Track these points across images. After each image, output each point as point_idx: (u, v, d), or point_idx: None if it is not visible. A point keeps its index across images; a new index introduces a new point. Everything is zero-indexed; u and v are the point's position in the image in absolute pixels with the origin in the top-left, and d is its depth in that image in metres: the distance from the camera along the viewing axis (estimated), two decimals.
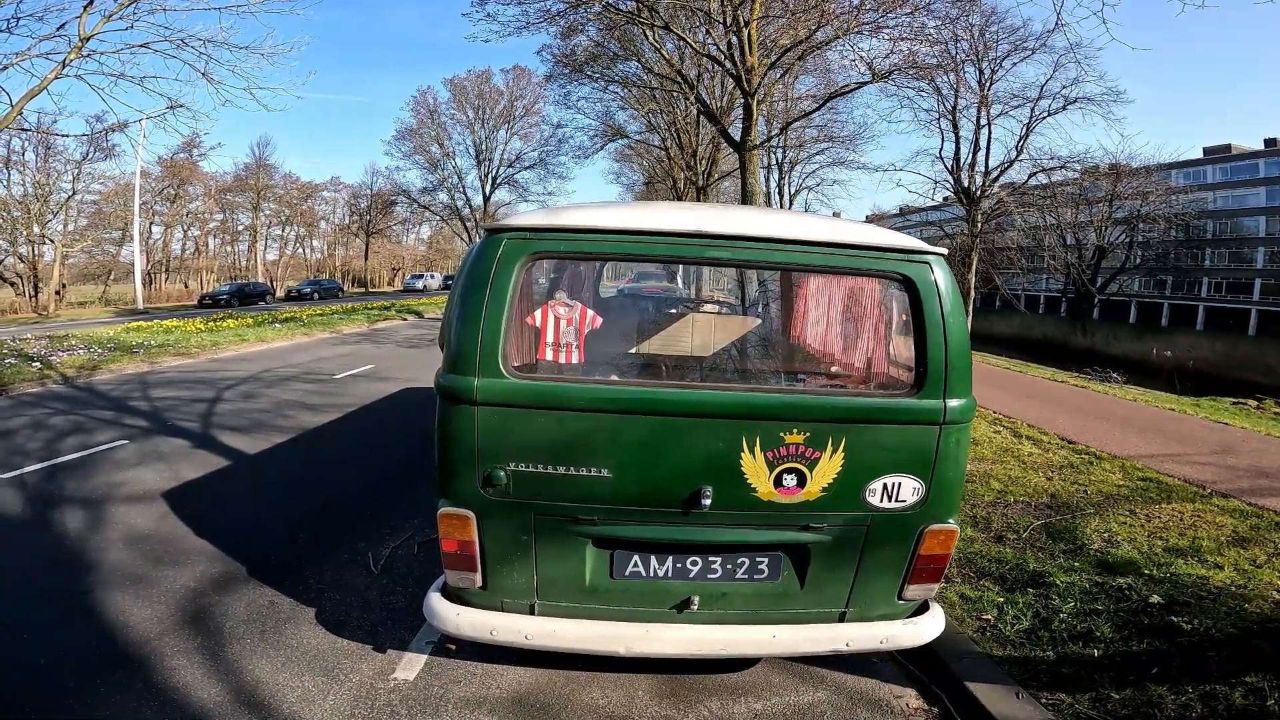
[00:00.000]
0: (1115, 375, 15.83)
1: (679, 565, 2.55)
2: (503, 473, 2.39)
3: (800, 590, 2.55)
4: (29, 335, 16.94)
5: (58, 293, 34.57)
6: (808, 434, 2.33)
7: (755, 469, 2.36)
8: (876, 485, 2.38)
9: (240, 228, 52.51)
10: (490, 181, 45.15)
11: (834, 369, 2.85)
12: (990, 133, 22.09)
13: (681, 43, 14.23)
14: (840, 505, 2.41)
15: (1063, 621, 3.04)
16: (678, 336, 4.23)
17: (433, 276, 48.86)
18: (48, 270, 33.96)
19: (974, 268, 23.45)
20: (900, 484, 2.39)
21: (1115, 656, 2.81)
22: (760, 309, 6.53)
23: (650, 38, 13.64)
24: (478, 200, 45.44)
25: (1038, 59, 21.08)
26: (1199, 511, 4.61)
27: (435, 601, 2.63)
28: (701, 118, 21.68)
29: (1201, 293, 41.63)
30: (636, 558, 2.55)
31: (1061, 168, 22.03)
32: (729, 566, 2.55)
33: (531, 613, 2.59)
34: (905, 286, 2.36)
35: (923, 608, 2.65)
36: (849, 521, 2.44)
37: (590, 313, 2.56)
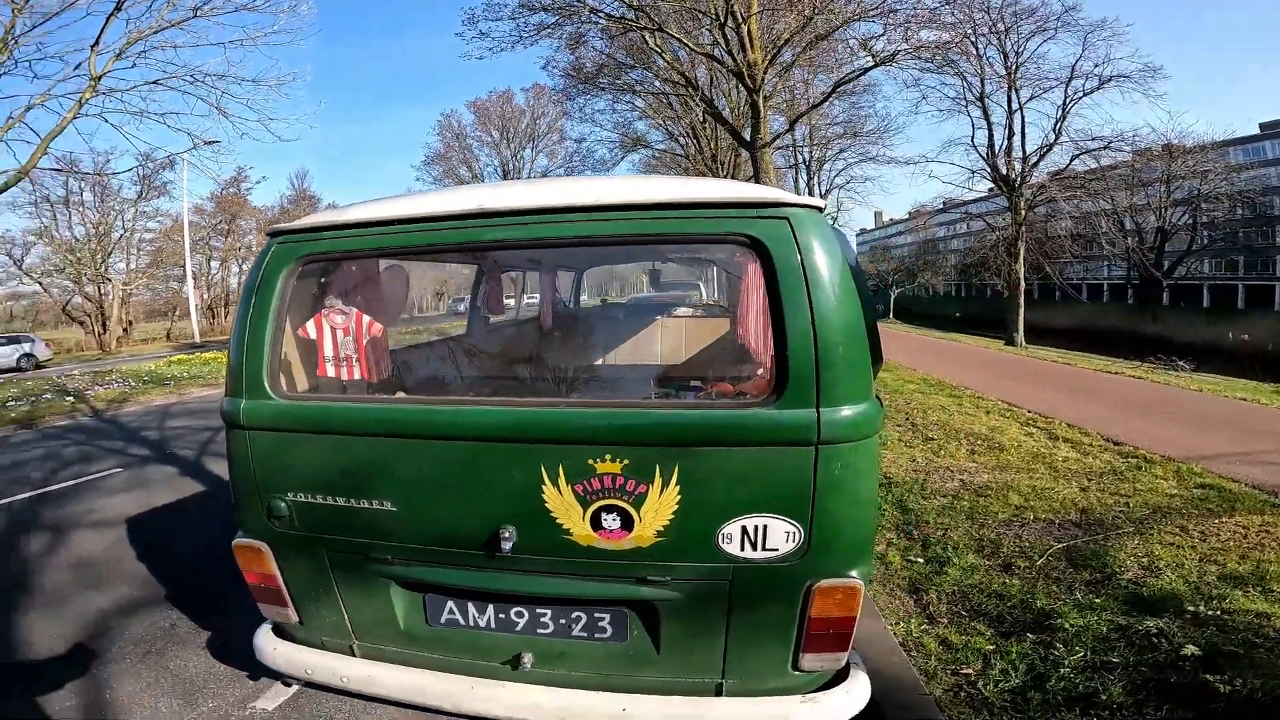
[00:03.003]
0: (1182, 363, 14.44)
1: (502, 616, 2.11)
2: (283, 504, 2.07)
3: (657, 655, 2.03)
4: (76, 371, 17.77)
5: (125, 329, 36.49)
6: (625, 461, 1.82)
7: (564, 506, 1.87)
8: (732, 529, 1.82)
9: None
10: None
11: (674, 374, 2.34)
12: (1024, 117, 20.99)
13: (685, 46, 13.86)
14: (685, 554, 1.87)
15: (1063, 679, 2.39)
16: (488, 344, 3.82)
17: None
18: (113, 309, 35.89)
19: (1021, 257, 22.12)
20: (766, 527, 1.81)
21: None
22: (578, 302, 6.00)
23: (652, 43, 13.31)
24: None
25: (1064, 39, 19.92)
26: (1268, 526, 3.82)
27: (261, 633, 2.42)
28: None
29: (1278, 272, 38.37)
30: (451, 604, 2.14)
31: (1105, 148, 20.61)
32: (562, 621, 2.07)
33: (353, 654, 2.27)
34: (755, 251, 1.81)
35: (841, 674, 2.06)
36: (702, 574, 1.89)
37: (367, 319, 2.19)
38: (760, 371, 2.01)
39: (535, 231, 1.94)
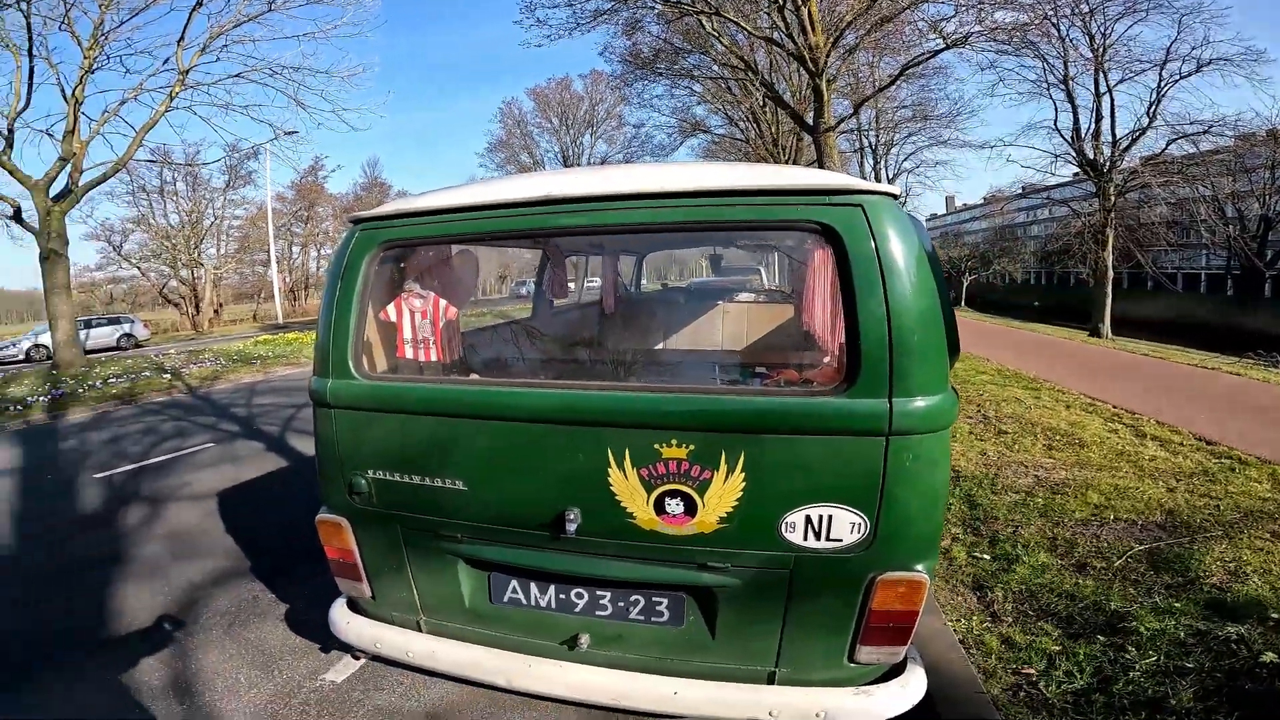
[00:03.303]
0: None
1: (562, 596, 2.16)
2: (364, 480, 2.17)
3: (712, 641, 2.04)
4: (172, 350, 19.08)
5: (216, 311, 38.97)
6: (691, 447, 1.82)
7: (628, 489, 1.89)
8: (795, 518, 1.80)
9: None
10: None
11: (737, 360, 2.32)
12: (1113, 100, 19.44)
13: (743, 30, 13.55)
14: (747, 542, 1.86)
15: (1132, 682, 2.30)
16: (553, 327, 3.87)
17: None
18: (205, 291, 38.41)
19: (1110, 244, 20.78)
20: (831, 517, 1.79)
21: None
22: (638, 287, 5.96)
23: (709, 27, 13.08)
24: None
25: (1156, 21, 18.35)
26: None
27: (336, 606, 2.54)
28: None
29: None
30: (514, 583, 2.21)
31: (1205, 133, 18.94)
32: (621, 604, 2.10)
33: (419, 630, 2.37)
34: (827, 239, 1.77)
35: (897, 669, 2.03)
36: (763, 563, 1.88)
37: (443, 303, 2.27)
38: (827, 359, 1.98)
39: (605, 218, 1.96)
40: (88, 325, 23.52)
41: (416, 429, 2.11)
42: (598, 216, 1.95)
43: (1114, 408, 7.06)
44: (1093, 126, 19.74)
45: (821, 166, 12.39)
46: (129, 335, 25.66)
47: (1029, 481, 4.62)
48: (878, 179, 31.09)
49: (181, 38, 14.07)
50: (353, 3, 15.90)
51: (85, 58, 13.59)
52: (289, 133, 17.22)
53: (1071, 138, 20.00)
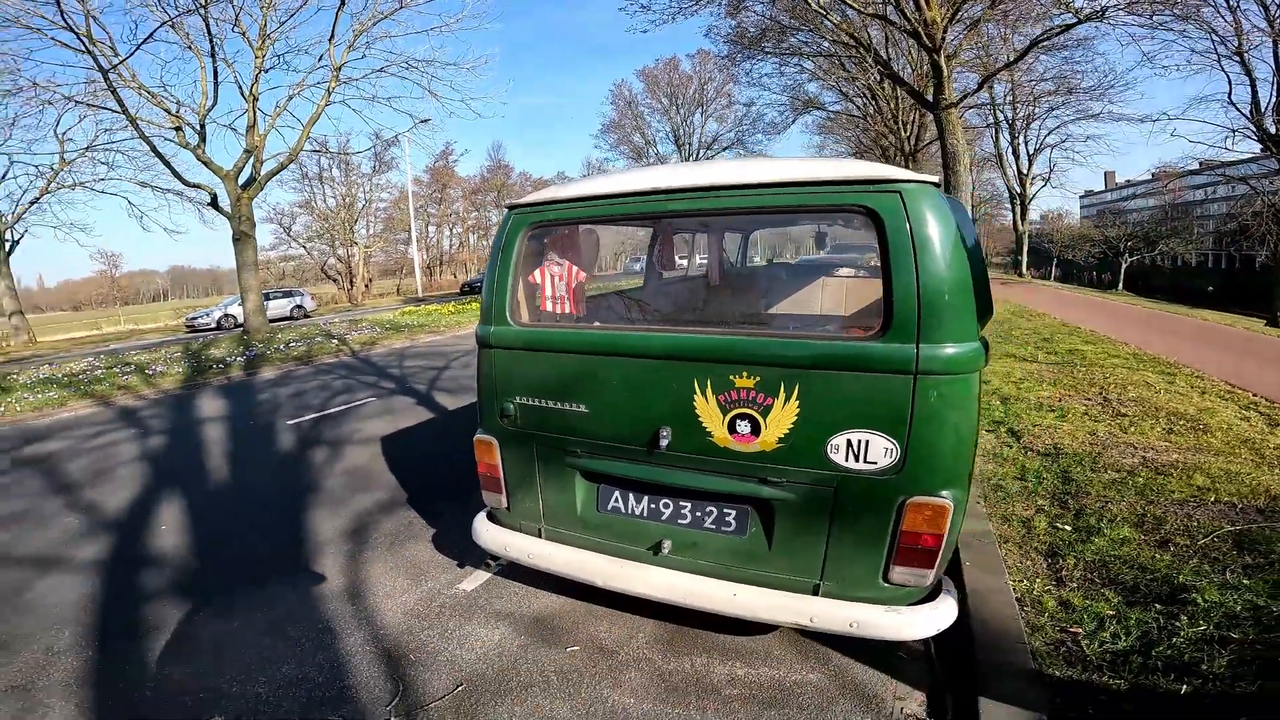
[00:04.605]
0: None
1: (653, 506, 2.63)
2: (512, 405, 2.75)
3: (769, 551, 2.43)
4: (336, 319, 21.63)
5: (366, 285, 43.27)
6: (757, 378, 2.25)
7: (709, 413, 2.35)
8: (839, 440, 2.18)
9: (490, 224, 60.62)
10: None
11: (814, 314, 2.71)
12: None
13: (851, 6, 13.04)
14: (799, 460, 2.26)
15: (1173, 647, 2.45)
16: (662, 294, 4.37)
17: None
18: (358, 268, 42.76)
19: None
20: (867, 441, 2.15)
21: (1205, 698, 2.21)
22: (751, 257, 6.36)
23: (815, 4, 12.72)
24: None
25: None
26: None
27: (478, 519, 3.12)
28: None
29: None
30: (617, 493, 2.69)
31: None
32: (698, 514, 2.55)
33: (539, 536, 2.89)
34: (870, 219, 2.13)
35: (933, 594, 2.33)
36: (812, 480, 2.27)
37: (575, 269, 2.85)
38: (861, 314, 2.37)
39: (700, 204, 2.41)
40: (267, 297, 26.65)
41: (553, 363, 2.66)
42: (692, 202, 2.42)
43: (1254, 396, 6.58)
44: (1274, 99, 17.38)
45: (943, 143, 11.90)
46: (300, 306, 29.24)
47: (1134, 461, 4.56)
48: (1015, 154, 28.79)
49: (332, 35, 15.92)
50: None
51: (256, 57, 15.60)
52: (423, 120, 19.00)
53: (1250, 111, 17.72)
